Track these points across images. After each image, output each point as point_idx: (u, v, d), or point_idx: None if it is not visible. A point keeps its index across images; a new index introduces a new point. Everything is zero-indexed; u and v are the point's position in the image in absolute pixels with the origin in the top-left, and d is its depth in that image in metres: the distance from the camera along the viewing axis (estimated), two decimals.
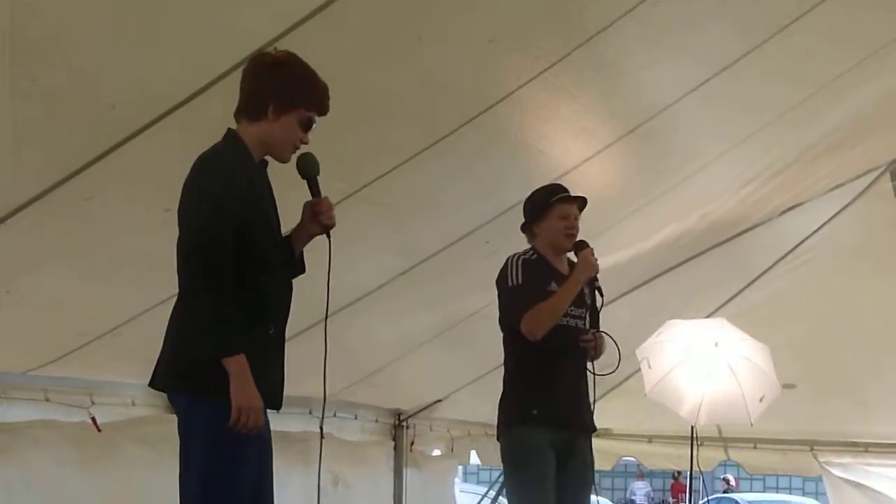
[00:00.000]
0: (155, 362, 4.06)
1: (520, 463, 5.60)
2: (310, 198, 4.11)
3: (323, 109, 3.99)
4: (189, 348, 3.80)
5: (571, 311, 5.56)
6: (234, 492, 3.87)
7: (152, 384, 4.07)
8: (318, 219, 4.08)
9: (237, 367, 3.75)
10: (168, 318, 4.00)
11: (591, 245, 5.67)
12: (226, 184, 3.78)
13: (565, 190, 5.66)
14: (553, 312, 5.48)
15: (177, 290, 3.98)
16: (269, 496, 4.05)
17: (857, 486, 9.57)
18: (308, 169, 4.05)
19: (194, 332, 3.77)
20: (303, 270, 4.16)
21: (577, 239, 5.64)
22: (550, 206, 5.62)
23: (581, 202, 5.65)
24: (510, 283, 5.58)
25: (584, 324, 5.64)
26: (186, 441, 3.92)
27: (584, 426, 5.68)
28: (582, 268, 5.58)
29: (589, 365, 5.70)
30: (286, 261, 4.08)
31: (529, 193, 5.71)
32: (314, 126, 3.99)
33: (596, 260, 5.60)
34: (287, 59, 3.91)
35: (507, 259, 5.63)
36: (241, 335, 3.77)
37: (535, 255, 5.65)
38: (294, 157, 4.03)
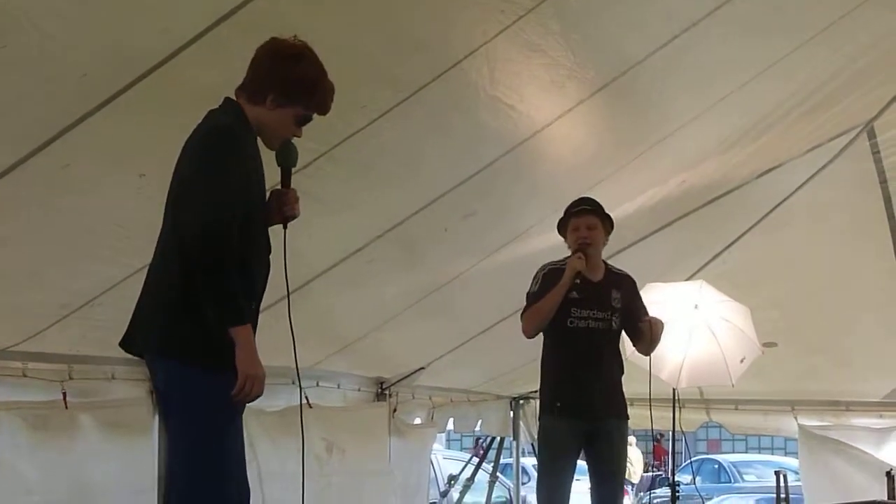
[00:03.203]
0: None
1: (544, 447, 6.59)
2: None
3: (323, 110, 4.08)
4: (191, 316, 3.83)
5: (581, 313, 6.31)
6: (231, 452, 3.98)
7: (128, 347, 4.09)
8: (282, 209, 4.12)
9: (245, 337, 3.84)
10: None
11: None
12: (238, 159, 3.88)
13: (580, 203, 6.38)
14: (537, 314, 6.28)
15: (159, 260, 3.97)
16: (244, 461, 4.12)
17: (836, 444, 9.63)
18: (286, 159, 4.13)
19: (204, 301, 3.80)
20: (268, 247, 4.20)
21: (588, 244, 6.31)
22: (566, 221, 6.39)
23: (593, 211, 6.33)
24: (529, 290, 6.40)
25: (611, 325, 6.42)
26: (175, 404, 3.98)
27: (605, 413, 6.42)
28: (566, 271, 6.24)
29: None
30: None
31: None
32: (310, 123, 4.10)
33: (581, 261, 6.21)
34: (299, 54, 3.96)
35: (540, 266, 6.44)
36: (247, 307, 3.86)
37: (565, 265, 6.32)
38: None
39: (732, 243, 9.43)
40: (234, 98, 4.02)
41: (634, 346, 6.70)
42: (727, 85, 6.53)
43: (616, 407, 6.50)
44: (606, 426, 6.40)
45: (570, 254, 6.37)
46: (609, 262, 6.75)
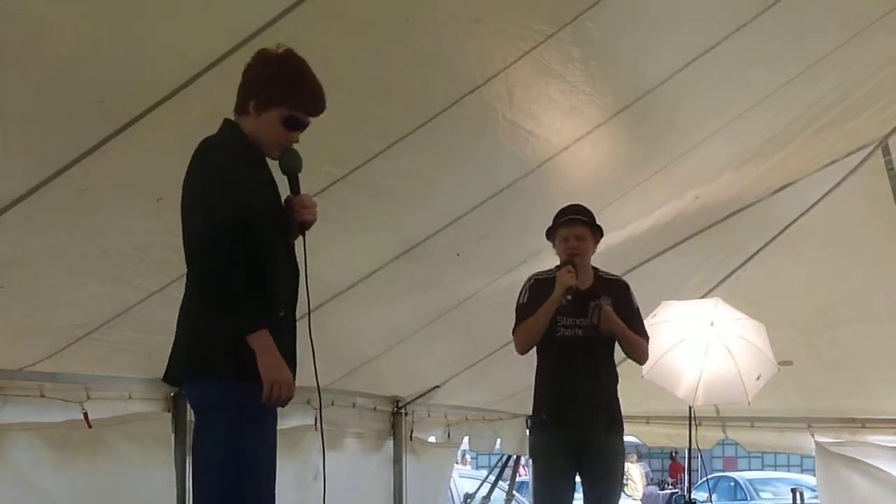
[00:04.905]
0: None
1: (535, 463, 6.56)
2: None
3: (311, 110, 4.00)
4: (209, 332, 3.83)
5: (567, 321, 6.11)
6: (259, 469, 3.94)
7: (168, 379, 4.10)
8: (292, 215, 4.08)
9: (262, 343, 3.79)
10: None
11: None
12: (230, 169, 3.83)
13: (569, 212, 6.10)
14: (527, 331, 6.12)
15: (170, 280, 3.98)
16: (274, 477, 4.09)
17: (853, 462, 9.59)
18: (287, 165, 4.07)
19: (215, 315, 3.80)
20: (295, 265, 4.16)
21: (577, 258, 6.09)
22: (555, 229, 6.14)
23: (584, 220, 6.09)
24: (517, 302, 6.23)
25: (600, 333, 6.11)
26: (207, 424, 3.97)
27: (594, 425, 6.12)
28: (556, 287, 6.03)
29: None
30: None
31: None
32: (306, 126, 4.02)
33: (571, 275, 6.00)
34: (278, 57, 3.91)
35: (527, 278, 6.27)
36: (261, 313, 3.81)
37: (554, 274, 6.12)
38: None
39: (748, 260, 9.44)
40: (230, 118, 4.02)
41: (626, 355, 6.42)
42: (742, 104, 6.54)
43: (606, 418, 6.18)
44: (595, 439, 6.12)
45: (558, 262, 6.17)
46: (629, 274, 6.65)
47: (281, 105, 3.93)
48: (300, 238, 4.13)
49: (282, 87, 3.91)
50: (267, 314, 3.87)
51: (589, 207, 6.15)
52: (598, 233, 6.18)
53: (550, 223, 6.16)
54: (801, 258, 9.13)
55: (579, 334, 6.12)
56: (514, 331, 6.21)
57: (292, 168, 4.07)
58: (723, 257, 9.34)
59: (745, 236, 9.14)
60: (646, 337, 6.40)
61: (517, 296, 6.24)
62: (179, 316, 4.02)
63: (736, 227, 8.79)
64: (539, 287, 6.17)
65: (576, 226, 6.10)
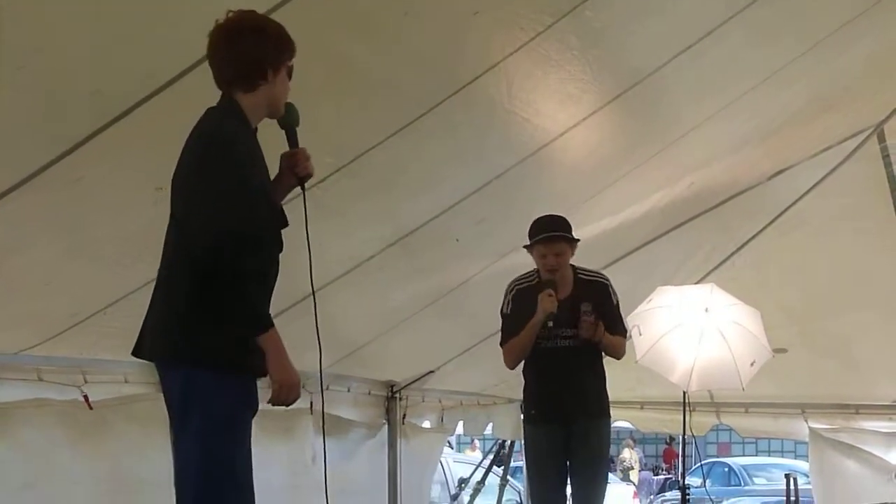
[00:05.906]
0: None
1: (527, 455, 6.78)
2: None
3: (294, 52, 3.97)
4: (207, 324, 3.75)
5: (561, 332, 6.24)
6: (239, 457, 3.89)
7: (139, 353, 4.04)
8: (293, 170, 4.07)
9: (274, 343, 3.79)
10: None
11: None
12: (240, 161, 3.78)
13: (546, 228, 6.13)
14: (513, 351, 6.38)
15: (166, 269, 3.96)
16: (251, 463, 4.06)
17: (847, 447, 9.63)
18: (290, 118, 4.05)
19: (226, 314, 3.74)
20: (286, 223, 4.07)
21: (556, 270, 6.19)
22: (533, 245, 6.21)
23: (561, 237, 6.14)
24: (502, 310, 6.43)
25: (581, 340, 6.25)
26: (188, 411, 3.87)
27: (579, 415, 6.34)
28: (538, 311, 6.15)
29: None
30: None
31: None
32: None
33: (552, 299, 6.10)
34: (253, 21, 3.86)
35: (508, 284, 6.41)
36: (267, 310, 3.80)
37: (535, 280, 6.30)
38: None
39: (743, 246, 9.45)
40: (228, 94, 3.94)
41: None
42: (738, 88, 6.54)
43: (590, 407, 6.41)
44: (580, 427, 6.37)
45: (536, 268, 6.31)
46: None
47: (286, 60, 3.93)
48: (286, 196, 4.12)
49: (282, 44, 3.91)
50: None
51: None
52: (575, 242, 6.23)
53: (532, 223, 6.23)
54: (796, 244, 9.14)
55: (560, 344, 6.30)
56: (501, 344, 6.43)
57: (292, 121, 4.06)
58: (718, 243, 9.35)
59: (741, 222, 9.15)
60: (623, 333, 6.61)
61: (502, 302, 6.40)
62: (156, 294, 3.96)
63: (731, 212, 8.80)
64: (521, 297, 6.31)
65: (554, 243, 6.16)
